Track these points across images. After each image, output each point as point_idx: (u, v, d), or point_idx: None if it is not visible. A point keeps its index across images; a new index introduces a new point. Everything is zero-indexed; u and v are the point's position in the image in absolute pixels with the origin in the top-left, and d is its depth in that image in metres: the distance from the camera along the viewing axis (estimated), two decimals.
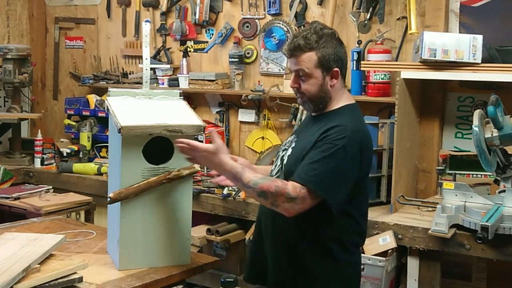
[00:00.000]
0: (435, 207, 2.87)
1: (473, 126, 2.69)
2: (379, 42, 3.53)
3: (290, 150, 2.20)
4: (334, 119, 2.13)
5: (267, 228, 2.24)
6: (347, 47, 3.69)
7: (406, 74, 3.13)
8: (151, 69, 2.56)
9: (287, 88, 3.80)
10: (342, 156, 2.03)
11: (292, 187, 2.03)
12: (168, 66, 4.32)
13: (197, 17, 4.27)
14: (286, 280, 2.18)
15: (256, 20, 4.08)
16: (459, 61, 2.98)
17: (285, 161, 2.19)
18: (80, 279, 2.06)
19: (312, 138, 2.11)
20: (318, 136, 2.08)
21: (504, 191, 2.80)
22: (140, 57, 2.65)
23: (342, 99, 2.20)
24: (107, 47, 4.83)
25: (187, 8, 4.36)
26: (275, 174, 2.23)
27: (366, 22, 3.63)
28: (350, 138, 2.05)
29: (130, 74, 4.64)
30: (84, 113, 4.59)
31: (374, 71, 3.49)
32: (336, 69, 2.14)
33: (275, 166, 2.27)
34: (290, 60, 2.16)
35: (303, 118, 3.61)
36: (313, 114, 2.26)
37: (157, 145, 2.31)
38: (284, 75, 3.92)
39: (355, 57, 3.58)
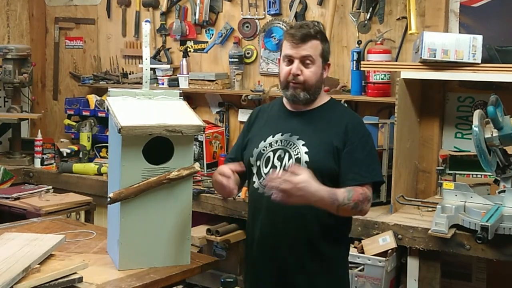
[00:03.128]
0: (435, 207, 2.87)
1: (473, 126, 2.69)
2: (379, 42, 3.52)
3: (303, 149, 2.17)
4: (336, 111, 2.28)
5: (277, 226, 2.20)
6: (347, 47, 3.74)
7: (406, 74, 3.13)
8: (151, 69, 2.57)
9: None
10: (372, 142, 2.29)
11: (367, 189, 2.16)
12: (168, 66, 4.32)
13: (197, 17, 4.27)
14: (300, 272, 2.20)
15: (256, 20, 4.08)
16: (459, 61, 2.98)
17: (306, 160, 2.15)
18: (80, 279, 2.06)
19: (331, 133, 2.19)
20: (342, 132, 2.19)
21: (504, 191, 2.80)
22: (140, 57, 2.66)
23: (325, 94, 2.34)
24: (107, 47, 4.83)
25: (187, 8, 4.36)
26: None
27: (366, 22, 3.62)
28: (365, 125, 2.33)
29: (130, 74, 4.62)
30: (84, 113, 4.58)
31: (374, 71, 3.49)
32: (329, 62, 2.28)
33: (271, 168, 2.20)
34: (298, 47, 2.18)
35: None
36: (295, 110, 2.28)
37: (157, 145, 2.31)
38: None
39: (355, 57, 3.58)
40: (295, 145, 2.20)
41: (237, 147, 2.43)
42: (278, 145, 2.23)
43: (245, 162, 2.31)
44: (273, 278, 2.22)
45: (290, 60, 2.21)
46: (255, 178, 2.26)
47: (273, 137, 2.26)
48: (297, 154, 2.18)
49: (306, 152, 2.17)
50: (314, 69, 2.20)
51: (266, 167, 2.23)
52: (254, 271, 2.30)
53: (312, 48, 2.19)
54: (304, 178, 1.98)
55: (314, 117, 2.25)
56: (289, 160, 2.19)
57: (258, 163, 2.25)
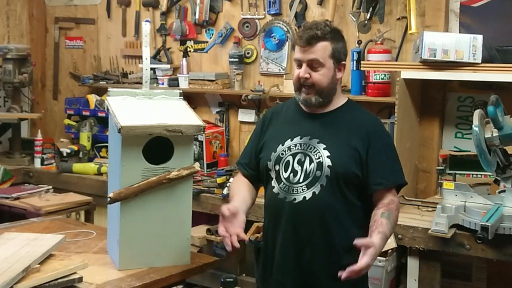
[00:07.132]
0: (435, 207, 2.86)
1: (473, 126, 2.69)
2: (379, 42, 3.53)
3: (325, 153, 2.13)
4: (355, 113, 2.24)
5: (299, 232, 2.15)
6: (347, 47, 3.73)
7: (406, 74, 3.13)
8: (151, 69, 2.56)
9: (287, 88, 3.80)
10: (393, 143, 2.32)
11: (393, 195, 2.17)
12: (168, 66, 4.32)
13: (197, 17, 4.27)
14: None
15: (256, 20, 4.08)
16: (459, 61, 2.98)
17: (328, 164, 2.12)
18: (80, 279, 2.06)
19: (353, 137, 2.16)
20: (364, 135, 2.16)
21: (504, 191, 2.80)
22: (140, 57, 2.65)
23: (342, 94, 2.30)
24: (107, 47, 4.83)
25: (187, 8, 4.36)
26: (303, 181, 2.14)
27: (366, 22, 3.62)
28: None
29: (130, 74, 4.64)
30: (84, 113, 4.59)
31: (374, 71, 3.49)
32: (344, 62, 2.23)
33: (291, 173, 2.15)
34: (304, 50, 2.14)
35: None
36: (312, 112, 2.23)
37: (157, 145, 2.31)
38: (284, 75, 3.92)
39: (355, 57, 3.58)
40: (315, 149, 2.15)
41: (250, 151, 2.35)
42: (298, 148, 2.18)
43: (262, 167, 2.25)
44: (298, 282, 2.17)
45: (299, 64, 2.18)
46: (274, 183, 2.19)
47: (291, 140, 2.20)
48: (319, 158, 2.14)
49: (328, 156, 2.13)
50: (324, 72, 2.16)
51: (285, 171, 2.17)
52: (278, 277, 2.21)
53: (320, 50, 2.14)
54: (373, 252, 1.93)
55: (333, 119, 2.21)
56: (310, 164, 2.14)
57: (277, 167, 2.19)
